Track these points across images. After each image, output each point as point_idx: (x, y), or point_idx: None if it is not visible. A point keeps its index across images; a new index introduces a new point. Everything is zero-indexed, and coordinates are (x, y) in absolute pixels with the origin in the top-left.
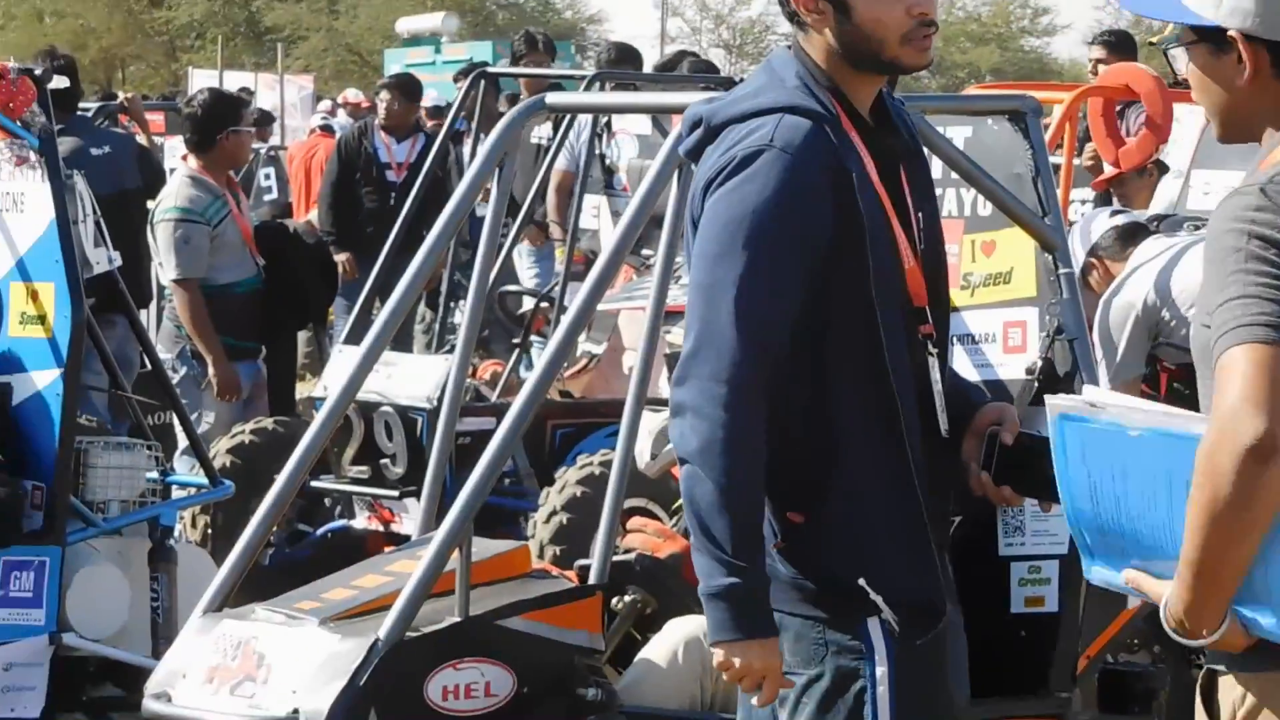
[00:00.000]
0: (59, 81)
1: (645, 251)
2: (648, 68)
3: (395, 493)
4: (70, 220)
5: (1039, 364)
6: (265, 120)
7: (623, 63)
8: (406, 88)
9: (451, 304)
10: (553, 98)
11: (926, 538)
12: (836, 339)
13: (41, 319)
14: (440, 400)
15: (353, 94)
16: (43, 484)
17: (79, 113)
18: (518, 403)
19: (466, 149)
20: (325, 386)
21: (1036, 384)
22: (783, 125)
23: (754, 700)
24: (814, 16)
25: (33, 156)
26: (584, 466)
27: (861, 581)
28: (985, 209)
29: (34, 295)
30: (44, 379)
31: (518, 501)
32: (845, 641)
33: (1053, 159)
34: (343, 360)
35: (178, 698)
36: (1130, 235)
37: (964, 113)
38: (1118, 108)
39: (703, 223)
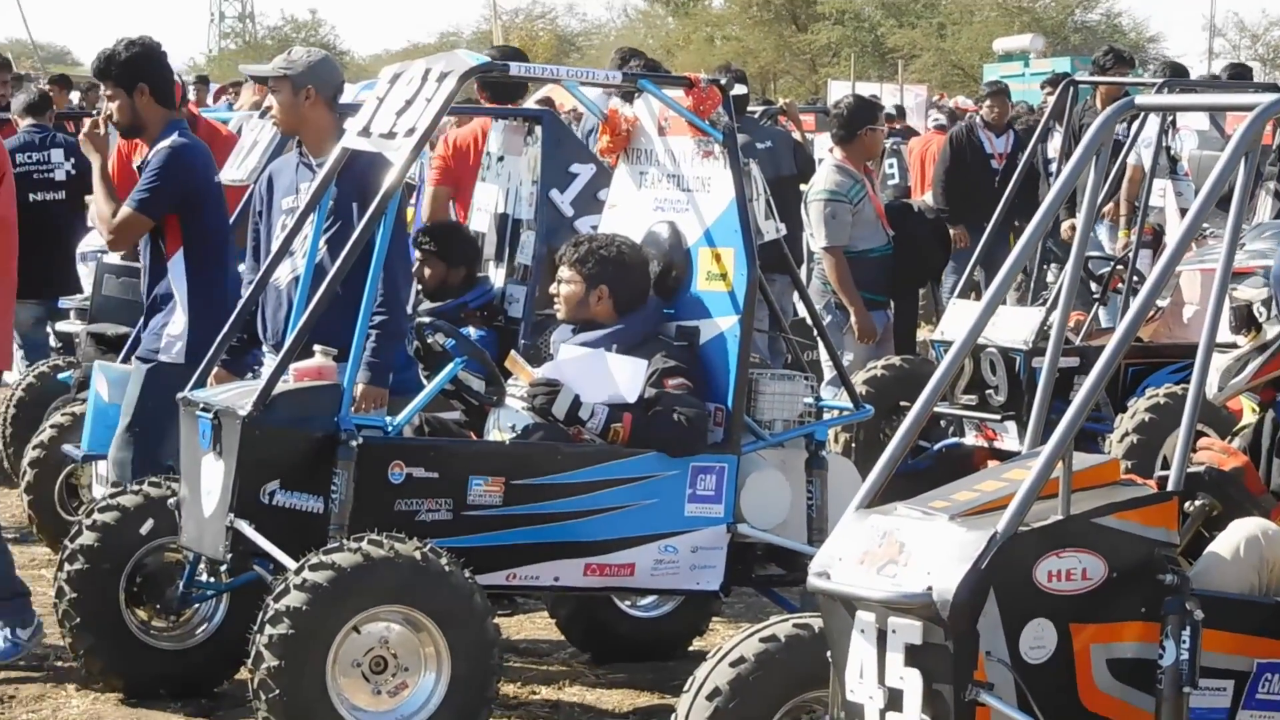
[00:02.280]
0: (739, 89)
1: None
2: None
3: (998, 417)
4: (746, 198)
5: None
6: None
7: (1176, 75)
8: (1002, 95)
9: (1044, 266)
10: (1140, 99)
11: None
12: None
13: (723, 276)
14: (1034, 342)
15: (961, 100)
16: (723, 406)
17: (748, 114)
18: (1111, 345)
19: (1052, 144)
20: (943, 331)
21: None
22: None
23: None
24: None
25: (717, 149)
26: (1151, 397)
27: None
28: None
29: (717, 257)
30: (725, 324)
31: (1096, 425)
32: None
33: None
34: (958, 311)
35: (835, 576)
36: None
37: None
38: None
39: None
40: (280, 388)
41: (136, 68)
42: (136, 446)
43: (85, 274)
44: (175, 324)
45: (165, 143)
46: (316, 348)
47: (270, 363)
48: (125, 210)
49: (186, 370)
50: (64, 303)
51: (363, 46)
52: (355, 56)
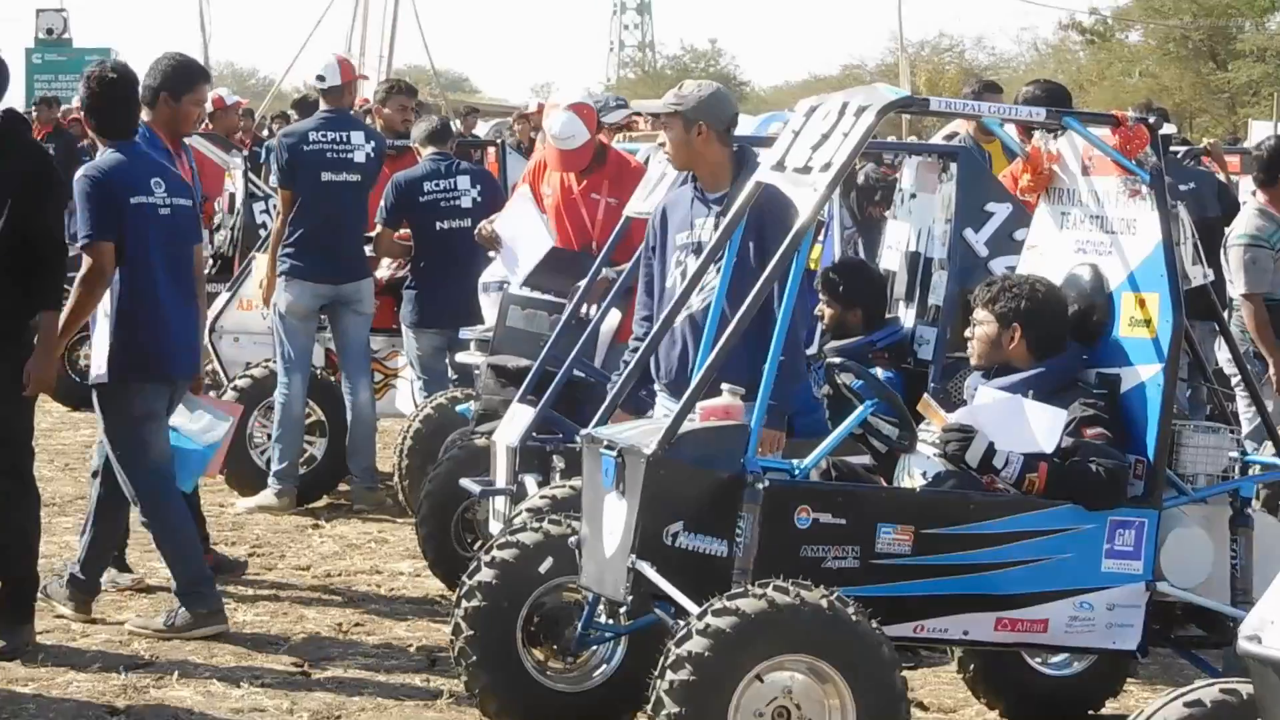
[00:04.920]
0: (1167, 128)
1: None
2: None
3: None
4: (1173, 241)
5: None
6: None
7: None
8: None
9: None
10: None
11: None
12: None
13: (1147, 322)
14: None
15: None
16: (1144, 458)
17: (1170, 154)
18: None
19: None
20: None
21: None
22: None
23: None
24: None
25: (1144, 190)
26: None
27: None
28: None
29: (1141, 303)
30: (1147, 372)
31: None
32: None
33: None
34: None
35: (1268, 640)
36: None
37: None
38: None
39: None
40: (686, 426)
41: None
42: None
43: (487, 304)
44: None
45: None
46: (724, 386)
47: (663, 401)
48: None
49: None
50: (464, 333)
51: (763, 77)
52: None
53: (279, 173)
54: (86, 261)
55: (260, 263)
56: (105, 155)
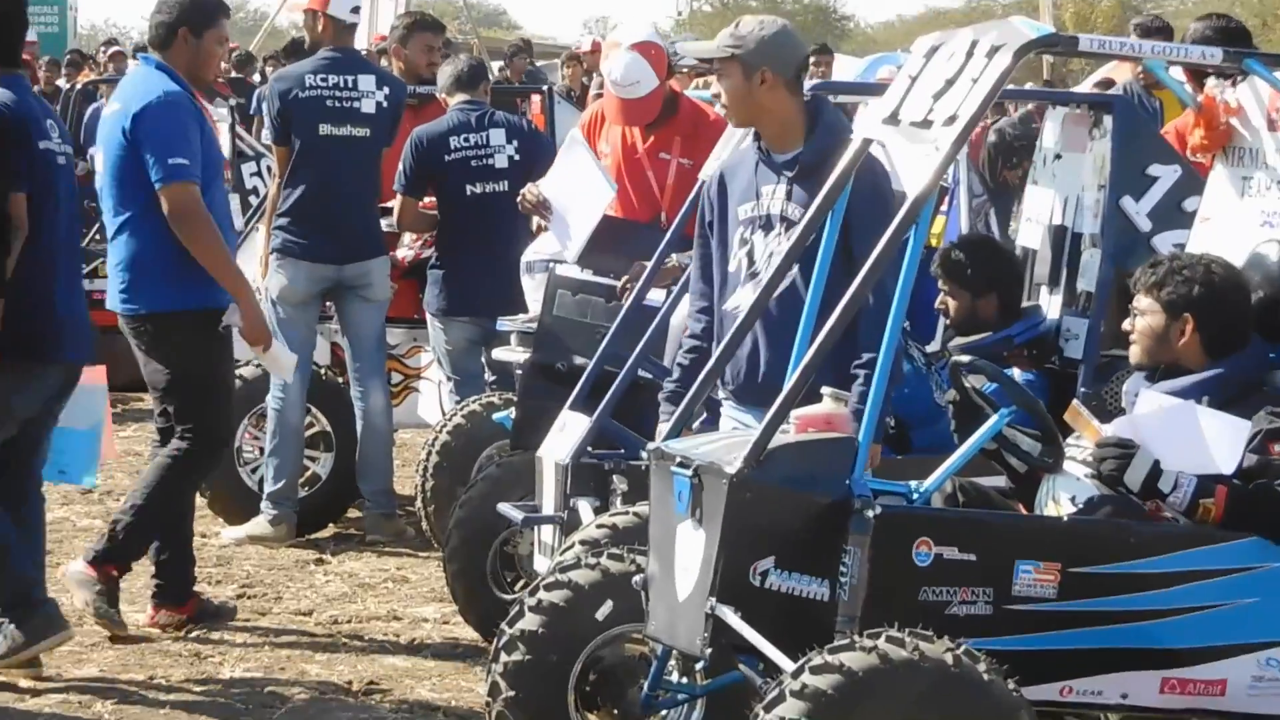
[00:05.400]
0: None
1: None
2: None
3: None
4: None
5: None
6: None
7: None
8: None
9: None
10: None
11: None
12: None
13: None
14: None
15: None
16: None
17: None
18: None
19: None
20: None
21: None
22: None
23: None
24: None
25: None
26: None
27: None
28: None
29: None
30: None
31: None
32: None
33: None
34: None
35: None
36: None
37: None
38: None
39: None
40: (778, 439)
41: None
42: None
43: (531, 288)
44: None
45: None
46: (826, 391)
47: (729, 411)
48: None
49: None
50: (503, 324)
51: (870, 11)
52: (861, 23)
53: (271, 127)
54: None
55: (255, 239)
56: None
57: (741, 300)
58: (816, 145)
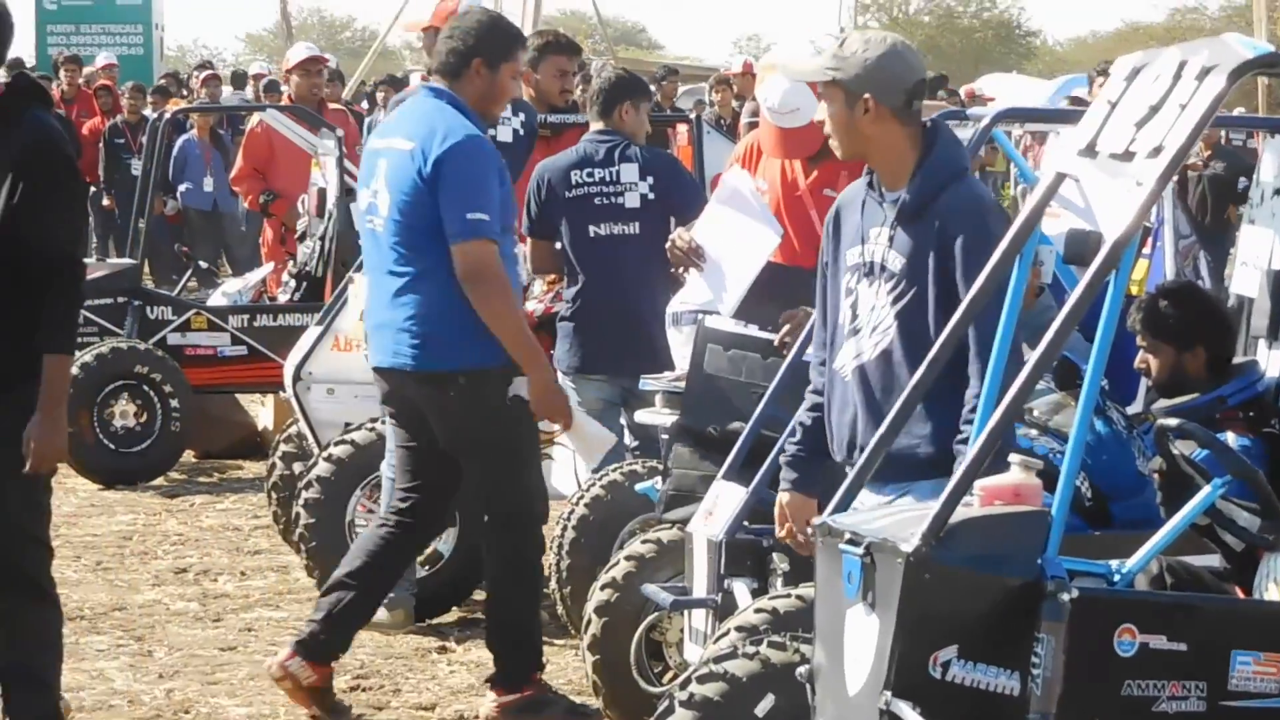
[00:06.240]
0: None
1: None
2: None
3: None
4: None
5: None
6: None
7: None
8: None
9: None
10: None
11: None
12: None
13: None
14: None
15: None
16: None
17: None
18: None
19: None
20: None
21: None
22: None
23: None
24: None
25: None
26: None
27: None
28: None
29: None
30: None
31: None
32: None
33: None
34: None
35: None
36: None
37: None
38: None
39: None
40: (961, 513)
41: None
42: None
43: (679, 342)
44: None
45: None
46: (1014, 459)
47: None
48: None
49: None
50: (645, 384)
51: (1059, 25)
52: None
53: None
54: None
55: (362, 284)
56: None
57: (844, 359)
58: (919, 186)
